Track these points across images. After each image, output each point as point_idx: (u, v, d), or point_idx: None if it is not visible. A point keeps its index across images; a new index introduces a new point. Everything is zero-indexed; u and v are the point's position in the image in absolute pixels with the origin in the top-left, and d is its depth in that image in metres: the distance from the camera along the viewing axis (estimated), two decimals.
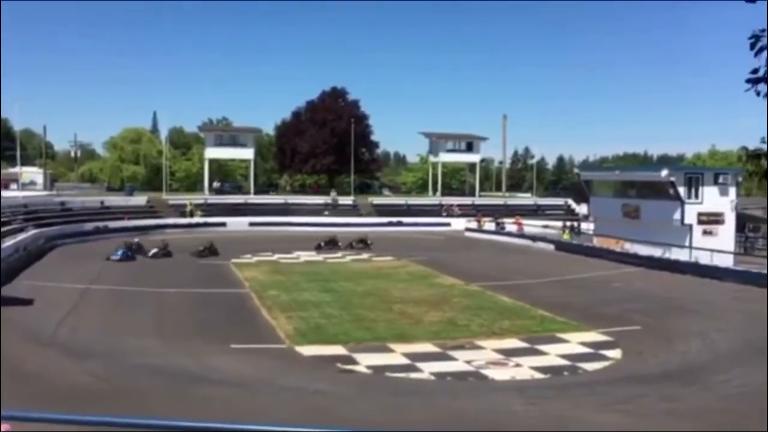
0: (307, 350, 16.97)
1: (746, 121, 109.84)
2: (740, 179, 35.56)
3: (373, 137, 72.81)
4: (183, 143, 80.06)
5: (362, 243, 40.97)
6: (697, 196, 34.09)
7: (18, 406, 2.84)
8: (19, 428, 2.52)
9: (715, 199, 34.20)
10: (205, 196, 60.29)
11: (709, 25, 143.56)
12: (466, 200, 64.72)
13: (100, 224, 45.72)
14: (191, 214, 53.63)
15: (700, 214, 33.91)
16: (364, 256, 37.47)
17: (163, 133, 66.87)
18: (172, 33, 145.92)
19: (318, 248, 39.53)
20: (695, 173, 36.02)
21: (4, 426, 2.49)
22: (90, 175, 78.82)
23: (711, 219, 34.03)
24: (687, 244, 33.26)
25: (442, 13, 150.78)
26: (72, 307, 21.35)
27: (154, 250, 35.32)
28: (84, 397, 12.09)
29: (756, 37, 6.23)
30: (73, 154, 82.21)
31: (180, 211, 54.28)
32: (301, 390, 13.57)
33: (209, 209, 55.61)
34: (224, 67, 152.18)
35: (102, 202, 52.91)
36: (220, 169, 72.22)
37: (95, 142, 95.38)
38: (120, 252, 33.61)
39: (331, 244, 40.59)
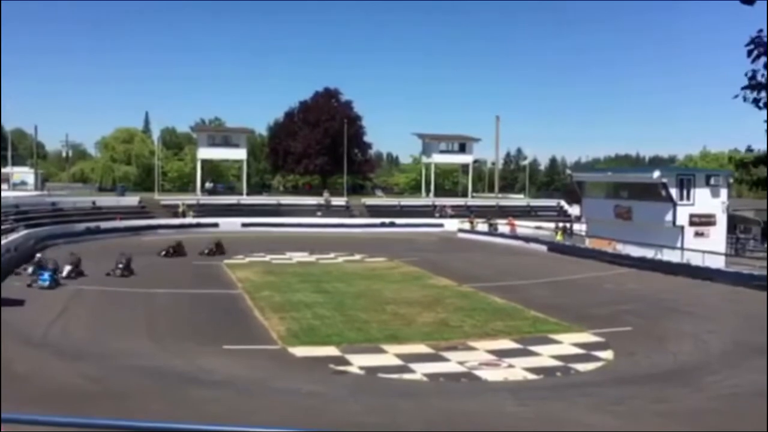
0: (300, 351, 16.94)
1: (737, 123, 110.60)
2: (731, 181, 35.75)
3: (366, 138, 72.85)
4: (175, 143, 79.88)
5: (217, 248, 37.10)
6: (688, 198, 34.26)
7: (18, 408, 2.82)
8: (19, 430, 2.50)
9: (707, 200, 34.37)
10: (198, 197, 60.11)
11: (702, 26, 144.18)
12: (459, 201, 64.79)
13: (92, 225, 45.52)
14: (183, 215, 53.49)
15: (691, 216, 34.07)
16: (357, 257, 37.41)
17: (156, 133, 66.90)
18: (165, 32, 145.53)
19: (166, 255, 35.46)
20: (687, 175, 36.22)
21: (4, 428, 2.47)
22: (81, 175, 78.49)
23: (702, 220, 34.20)
24: (679, 245, 33.41)
25: (436, 13, 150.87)
26: (63, 309, 21.24)
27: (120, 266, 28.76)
28: (75, 399, 12.03)
29: (754, 44, 6.26)
30: (64, 154, 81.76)
31: (172, 211, 54.13)
32: (293, 391, 13.54)
33: (202, 210, 55.49)
34: (217, 67, 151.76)
35: (94, 203, 52.67)
36: (212, 169, 72.04)
37: (87, 142, 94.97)
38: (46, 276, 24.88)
39: (178, 250, 36.03)
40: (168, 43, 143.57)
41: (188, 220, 52.73)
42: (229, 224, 51.87)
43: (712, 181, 34.85)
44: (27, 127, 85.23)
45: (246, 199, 60.84)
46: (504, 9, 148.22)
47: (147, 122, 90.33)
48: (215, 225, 51.95)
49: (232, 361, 15.91)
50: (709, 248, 31.82)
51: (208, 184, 65.15)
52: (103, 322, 19.91)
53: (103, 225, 46.20)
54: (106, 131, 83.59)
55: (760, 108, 6.70)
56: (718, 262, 30.95)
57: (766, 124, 6.83)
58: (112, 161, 75.31)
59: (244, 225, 52.59)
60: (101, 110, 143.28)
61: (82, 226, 44.66)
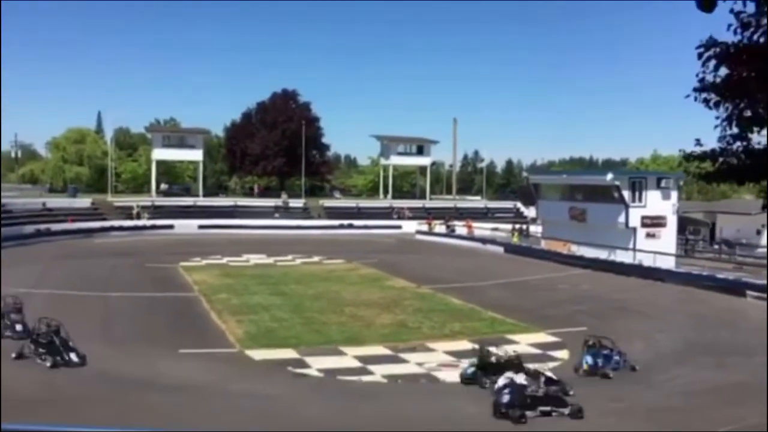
0: (258, 354, 16.80)
1: (687, 127, 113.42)
2: (681, 183, 36.69)
3: (324, 140, 72.76)
4: (129, 144, 78.39)
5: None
6: (640, 200, 35.01)
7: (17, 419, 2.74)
8: None
9: (658, 202, 35.17)
10: (153, 198, 59.16)
11: (654, 29, 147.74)
12: (417, 203, 65.10)
13: (42, 227, 44.38)
14: (138, 217, 52.57)
15: (643, 218, 34.83)
16: (315, 258, 37.28)
17: (109, 134, 65.45)
18: (118, 30, 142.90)
19: None
20: (639, 177, 37.01)
21: None
22: (31, 176, 76.59)
23: (654, 222, 34.98)
24: (631, 246, 34.13)
25: (393, 15, 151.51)
26: None
27: None
28: (26, 406, 11.69)
29: (704, 47, 6.45)
30: (13, 155, 79.73)
31: (126, 213, 53.15)
32: (252, 395, 13.42)
33: (157, 212, 54.62)
34: (173, 67, 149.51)
35: (44, 204, 51.42)
36: (168, 170, 70.96)
37: (37, 143, 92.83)
38: None
39: None
40: (121, 42, 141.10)
41: (143, 222, 51.86)
42: (185, 226, 51.19)
43: (663, 184, 35.68)
44: None
45: (202, 201, 60.15)
46: (461, 11, 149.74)
47: (100, 122, 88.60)
48: (171, 227, 51.23)
49: (189, 365, 15.68)
50: (660, 249, 32.60)
51: (163, 186, 64.12)
52: None
53: (54, 227, 45.07)
54: (57, 131, 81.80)
55: (710, 108, 6.90)
56: (668, 263, 31.74)
57: (716, 120, 7.04)
58: (64, 162, 73.58)
59: (201, 227, 51.97)
60: (52, 110, 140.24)
61: (31, 228, 43.50)
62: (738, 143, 7.10)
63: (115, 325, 20.00)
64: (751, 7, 6.28)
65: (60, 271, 30.18)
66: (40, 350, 14.71)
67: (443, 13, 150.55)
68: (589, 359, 15.24)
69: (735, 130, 7.01)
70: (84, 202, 55.54)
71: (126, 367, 15.18)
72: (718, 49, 6.52)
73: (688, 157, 7.63)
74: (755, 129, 6.97)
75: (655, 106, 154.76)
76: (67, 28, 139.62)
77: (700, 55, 6.58)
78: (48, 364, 14.35)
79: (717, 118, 7.04)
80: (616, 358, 15.53)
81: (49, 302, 23.17)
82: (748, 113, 6.88)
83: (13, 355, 14.77)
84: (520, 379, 12.38)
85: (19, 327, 16.83)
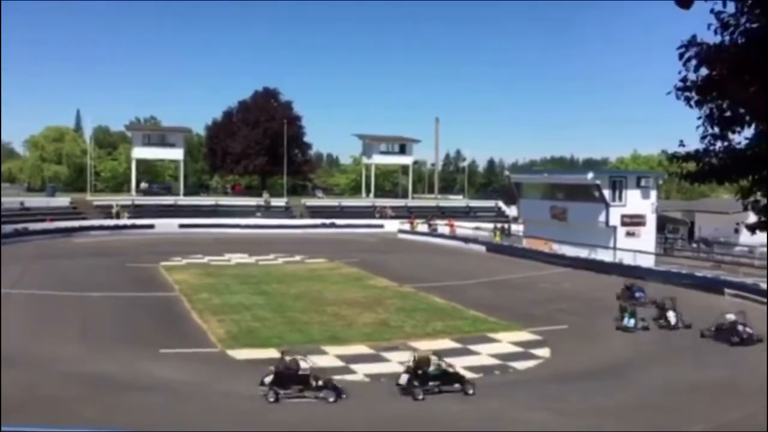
0: (240, 354, 16.75)
1: (666, 126, 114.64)
2: (661, 182, 37.07)
3: (306, 138, 72.52)
4: (109, 143, 77.65)
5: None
6: (620, 199, 35.35)
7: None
8: None
9: (638, 201, 35.53)
10: (133, 197, 58.67)
11: (633, 29, 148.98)
12: (399, 202, 65.15)
13: (20, 226, 43.84)
14: (118, 216, 52.11)
15: (623, 216, 35.17)
16: (297, 258, 37.18)
17: (88, 132, 64.81)
18: (97, 28, 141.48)
19: None
20: (619, 177, 37.35)
21: None
22: (9, 175, 75.56)
23: (633, 221, 35.33)
24: (611, 245, 34.42)
25: (376, 13, 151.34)
26: None
27: None
28: (7, 407, 11.54)
29: (685, 47, 6.52)
30: None
31: (106, 212, 52.66)
32: (233, 394, 13.36)
33: (137, 211, 54.18)
34: (152, 65, 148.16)
35: (22, 203, 50.79)
36: (148, 169, 70.40)
37: (14, 141, 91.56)
38: None
39: None
40: (101, 39, 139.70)
41: (123, 221, 51.42)
42: (166, 225, 50.81)
43: (642, 183, 36.05)
44: None
45: (183, 200, 59.70)
46: (442, 10, 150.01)
47: (78, 120, 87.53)
48: (151, 226, 50.85)
49: (170, 365, 15.58)
50: (639, 248, 32.92)
51: (143, 185, 63.61)
52: (35, 328, 19.19)
53: (32, 227, 44.54)
54: (35, 129, 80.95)
55: (691, 107, 6.97)
56: (648, 262, 32.06)
57: (698, 121, 7.12)
58: (42, 161, 72.71)
59: (182, 226, 51.60)
60: (30, 107, 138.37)
61: (9, 227, 42.93)
62: (719, 143, 7.19)
63: (96, 326, 19.80)
64: (731, 7, 6.36)
65: (39, 272, 29.83)
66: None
67: (425, 12, 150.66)
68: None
69: (716, 129, 7.10)
70: (63, 201, 54.95)
71: (106, 367, 15.06)
72: (698, 49, 6.59)
73: (672, 158, 7.71)
74: (735, 129, 7.05)
75: (635, 106, 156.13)
76: (46, 25, 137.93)
77: (681, 55, 6.64)
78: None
79: (698, 118, 7.13)
80: None
81: (30, 302, 22.96)
82: (728, 113, 6.96)
83: None
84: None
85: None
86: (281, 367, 13.30)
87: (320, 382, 13.05)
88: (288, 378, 13.12)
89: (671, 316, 20.14)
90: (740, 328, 18.06)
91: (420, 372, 13.54)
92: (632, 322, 19.76)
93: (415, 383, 13.30)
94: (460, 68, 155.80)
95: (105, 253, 36.89)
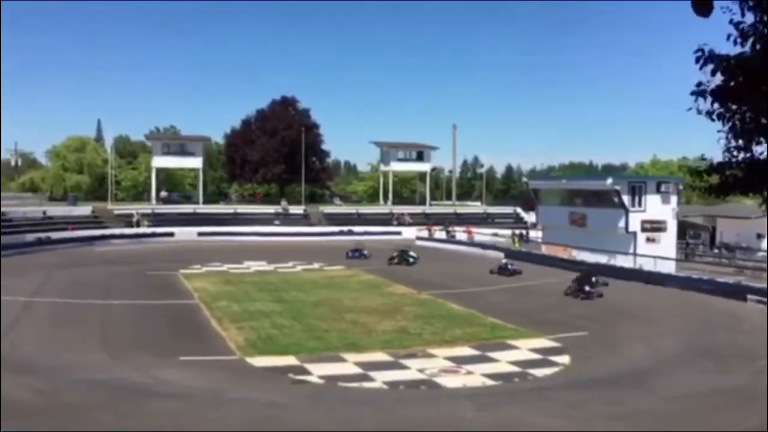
0: (259, 361, 16.78)
1: (686, 131, 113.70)
2: (681, 188, 36.74)
3: (324, 146, 72.78)
4: (129, 152, 78.49)
5: None
6: (640, 205, 35.08)
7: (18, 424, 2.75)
8: None
9: (658, 207, 35.24)
10: (153, 206, 59.21)
11: (653, 33, 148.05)
12: (417, 209, 65.11)
13: (43, 235, 44.39)
14: (138, 224, 52.62)
15: (643, 222, 34.88)
16: (315, 265, 37.26)
17: (108, 142, 65.52)
18: (119, 38, 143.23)
19: None
20: (638, 182, 37.06)
21: None
22: (31, 185, 76.58)
23: (654, 226, 35.03)
24: (631, 251, 34.14)
25: (393, 19, 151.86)
26: (13, 321, 20.61)
27: None
28: (26, 414, 11.67)
29: (702, 51, 6.48)
30: (13, 163, 79.62)
31: (126, 221, 53.19)
32: (252, 402, 13.40)
33: (157, 219, 54.67)
34: (172, 75, 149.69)
35: (44, 213, 51.46)
36: (167, 178, 71.04)
37: (37, 151, 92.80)
38: None
39: None
40: (121, 49, 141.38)
41: (143, 229, 51.91)
42: (185, 233, 51.24)
43: (662, 188, 35.73)
44: None
45: (202, 208, 60.15)
46: (460, 16, 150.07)
47: (99, 130, 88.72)
48: (171, 234, 51.28)
49: (189, 372, 15.65)
50: (660, 253, 32.61)
51: (163, 193, 64.22)
52: (56, 335, 19.41)
53: (54, 236, 45.09)
54: (56, 139, 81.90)
55: (713, 120, 6.92)
56: (669, 267, 31.74)
57: (719, 134, 7.07)
58: (64, 170, 73.63)
59: (201, 234, 51.97)
60: (52, 118, 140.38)
61: (32, 236, 43.51)
62: (741, 154, 7.13)
63: (116, 333, 19.98)
64: (750, 18, 6.32)
65: (61, 280, 30.18)
66: None
67: (443, 18, 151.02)
68: None
69: (739, 141, 7.04)
70: (84, 210, 55.61)
71: (125, 374, 15.18)
72: (716, 59, 6.54)
73: (694, 173, 7.66)
74: (758, 139, 6.99)
75: (654, 111, 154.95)
76: (67, 35, 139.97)
77: (697, 59, 6.61)
78: None
79: (719, 131, 7.07)
80: None
81: (52, 310, 23.24)
82: (750, 124, 6.90)
83: None
84: None
85: None
86: None
87: None
88: None
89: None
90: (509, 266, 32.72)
91: None
92: None
93: None
94: (477, 74, 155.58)
95: (125, 261, 37.22)
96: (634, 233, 34.71)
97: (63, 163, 74.14)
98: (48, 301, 24.74)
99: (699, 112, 6.95)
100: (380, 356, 17.40)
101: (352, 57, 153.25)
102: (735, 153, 7.13)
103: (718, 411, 13.03)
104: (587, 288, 26.51)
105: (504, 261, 34.92)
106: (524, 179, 57.43)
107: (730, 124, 6.95)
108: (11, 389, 13.55)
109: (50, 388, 13.82)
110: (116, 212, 55.56)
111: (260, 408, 12.97)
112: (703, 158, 7.54)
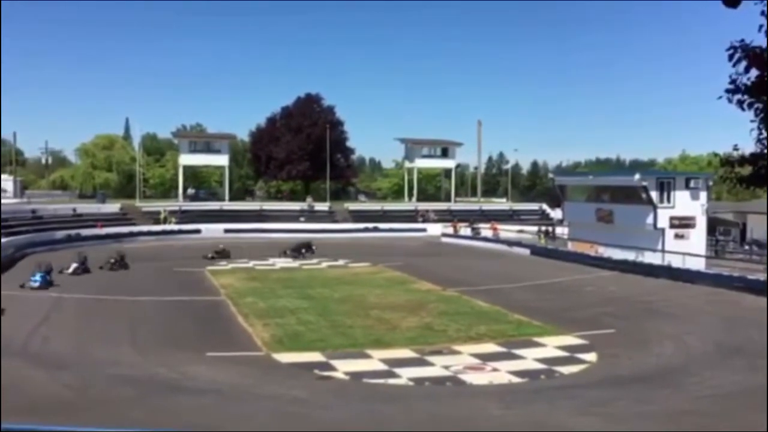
0: (285, 357, 16.87)
1: (716, 125, 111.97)
2: (711, 183, 36.17)
3: (349, 143, 72.98)
4: (156, 150, 79.46)
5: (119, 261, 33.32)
6: (669, 201, 34.59)
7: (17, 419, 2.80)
8: None
9: (687, 203, 34.71)
10: (180, 203, 59.81)
11: (681, 29, 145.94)
12: (442, 206, 65.00)
13: (72, 232, 45.08)
14: (165, 222, 53.16)
15: (672, 218, 34.39)
16: (341, 262, 37.38)
17: (136, 140, 66.42)
18: (145, 37, 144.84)
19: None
20: (667, 178, 36.58)
21: None
22: (61, 183, 77.88)
23: (683, 223, 34.53)
24: (659, 247, 33.70)
25: (418, 18, 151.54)
26: (44, 317, 20.97)
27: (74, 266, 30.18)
28: (58, 408, 11.87)
29: (734, 48, 6.37)
30: (44, 161, 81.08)
31: (154, 218, 53.79)
32: (278, 397, 13.48)
33: (184, 216, 55.18)
34: (198, 73, 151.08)
35: (74, 210, 52.23)
36: (194, 175, 71.74)
37: (66, 149, 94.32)
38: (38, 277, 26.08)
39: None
40: (148, 48, 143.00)
41: (170, 226, 52.43)
42: (212, 230, 51.61)
43: (691, 184, 35.20)
44: (6, 134, 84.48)
45: (228, 205, 60.61)
46: (485, 12, 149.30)
47: (127, 128, 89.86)
48: (197, 231, 51.73)
49: (216, 368, 15.80)
50: (689, 250, 32.13)
51: (190, 191, 64.89)
52: (85, 330, 19.70)
53: (84, 232, 45.75)
54: (85, 138, 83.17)
55: (744, 110, 6.81)
56: (698, 264, 31.27)
57: (752, 123, 6.95)
58: (93, 168, 74.74)
59: (227, 231, 52.34)
60: (81, 116, 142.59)
61: (62, 233, 44.21)
62: None
63: (144, 329, 20.23)
64: None
65: (90, 276, 30.59)
66: None
67: (468, 16, 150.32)
68: None
69: None
70: (113, 207, 56.32)
71: (153, 369, 15.36)
72: (747, 51, 6.43)
73: (725, 163, 7.53)
74: None
75: (683, 105, 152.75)
76: (95, 37, 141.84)
77: (730, 57, 6.50)
78: None
79: (752, 121, 6.95)
80: None
81: (81, 306, 23.60)
82: None
83: None
84: None
85: None
86: None
87: None
88: None
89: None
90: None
91: None
92: None
93: None
94: (502, 69, 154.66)
95: (153, 258, 37.62)
96: (663, 230, 34.25)
97: (92, 161, 75.27)
98: (77, 296, 25.10)
99: (730, 101, 6.83)
100: (405, 353, 17.40)
101: (377, 54, 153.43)
102: (766, 143, 7.00)
103: (748, 410, 12.83)
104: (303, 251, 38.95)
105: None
106: (550, 175, 56.99)
107: (762, 114, 6.83)
108: (44, 384, 13.84)
109: (80, 383, 14.04)
110: (144, 209, 56.20)
111: (286, 404, 13.05)
112: (735, 148, 7.41)
